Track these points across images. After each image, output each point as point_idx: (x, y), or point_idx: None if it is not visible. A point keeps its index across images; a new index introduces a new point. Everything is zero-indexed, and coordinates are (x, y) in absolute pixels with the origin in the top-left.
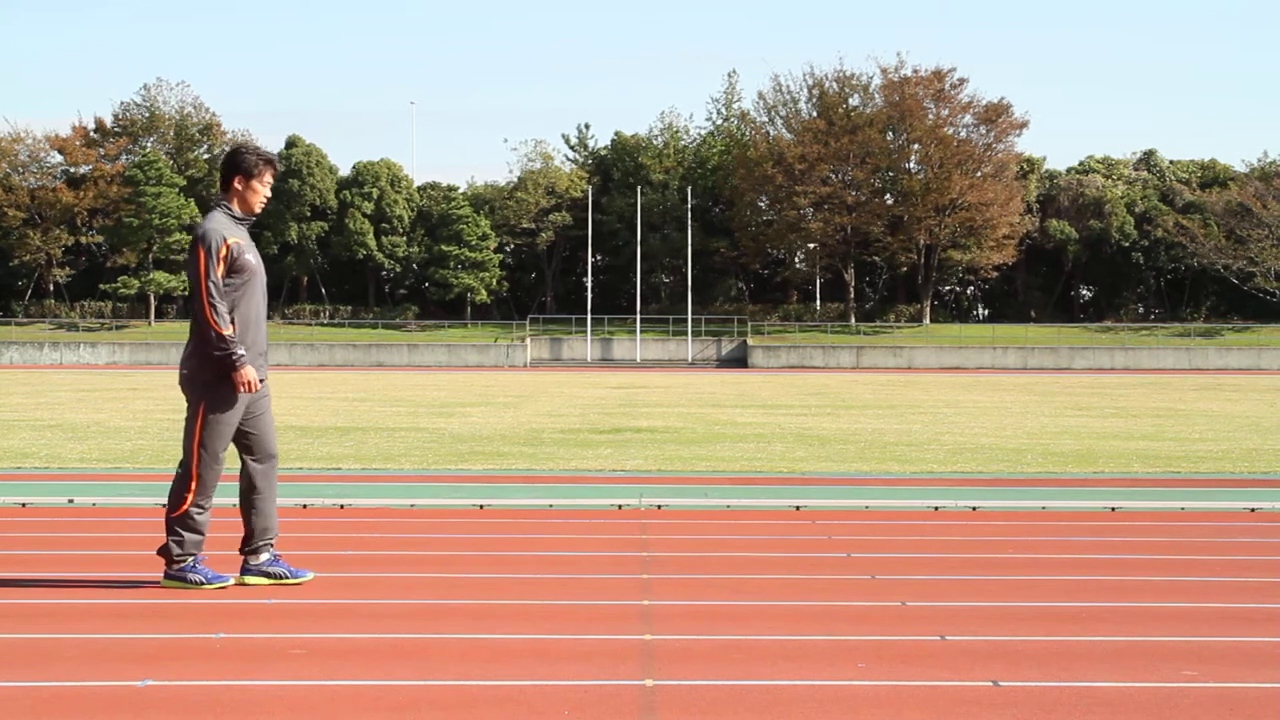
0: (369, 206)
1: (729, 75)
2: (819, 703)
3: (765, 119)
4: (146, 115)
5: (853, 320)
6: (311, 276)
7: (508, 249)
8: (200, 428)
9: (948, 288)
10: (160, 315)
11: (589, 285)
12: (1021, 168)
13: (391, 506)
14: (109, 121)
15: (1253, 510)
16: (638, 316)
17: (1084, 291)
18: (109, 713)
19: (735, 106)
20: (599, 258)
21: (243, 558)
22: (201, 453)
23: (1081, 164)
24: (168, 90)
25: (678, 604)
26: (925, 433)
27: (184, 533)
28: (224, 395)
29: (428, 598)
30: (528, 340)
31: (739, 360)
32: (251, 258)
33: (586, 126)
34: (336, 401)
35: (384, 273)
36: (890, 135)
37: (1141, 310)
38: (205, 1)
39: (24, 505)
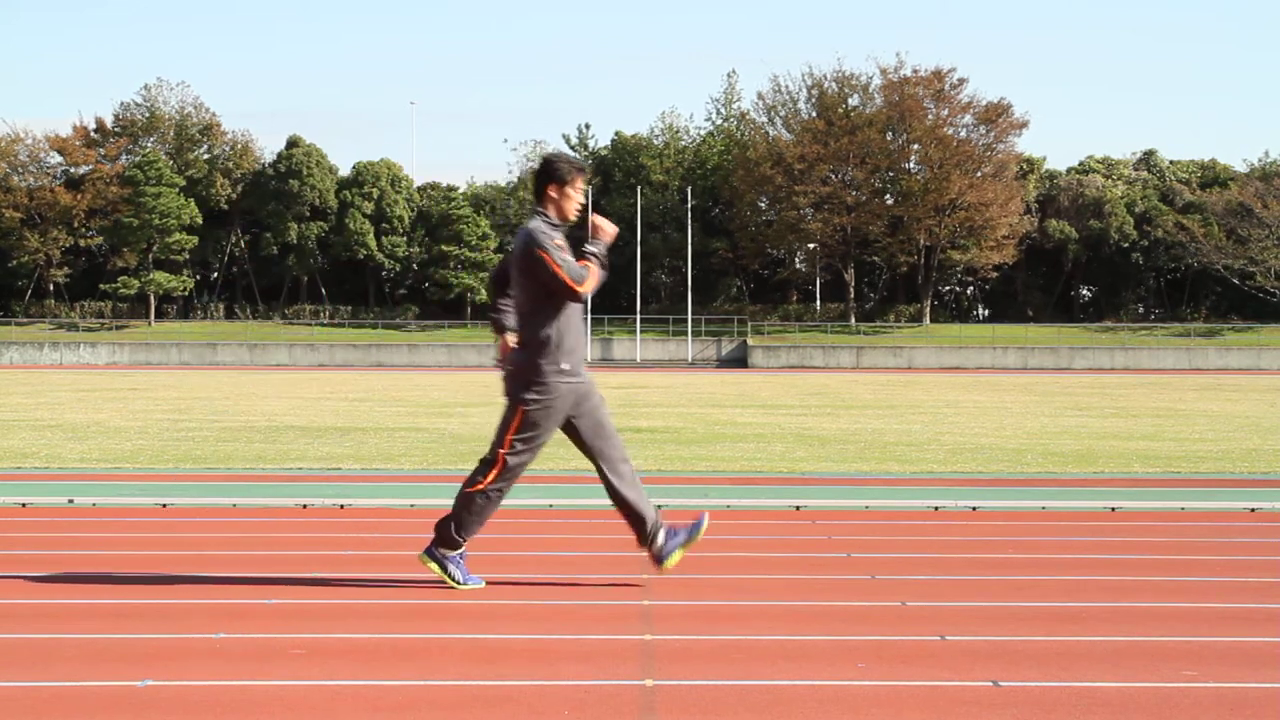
0: (369, 206)
1: (729, 75)
2: (819, 703)
3: (765, 119)
4: (146, 115)
5: (853, 320)
6: (311, 276)
7: (508, 249)
8: (517, 423)
9: (948, 288)
10: (160, 315)
11: None
12: (1021, 168)
13: (391, 506)
14: (109, 122)
15: (1253, 510)
16: (638, 316)
17: (1084, 291)
18: (109, 713)
19: (735, 107)
20: None
21: (648, 553)
22: (510, 448)
23: (1081, 164)
24: (168, 90)
25: (678, 604)
26: (925, 433)
27: (466, 515)
28: (544, 400)
29: (428, 598)
30: None
31: (739, 360)
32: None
33: (586, 126)
34: (336, 401)
35: (384, 273)
36: (890, 135)
37: (1141, 310)
38: (205, 1)
39: (24, 505)
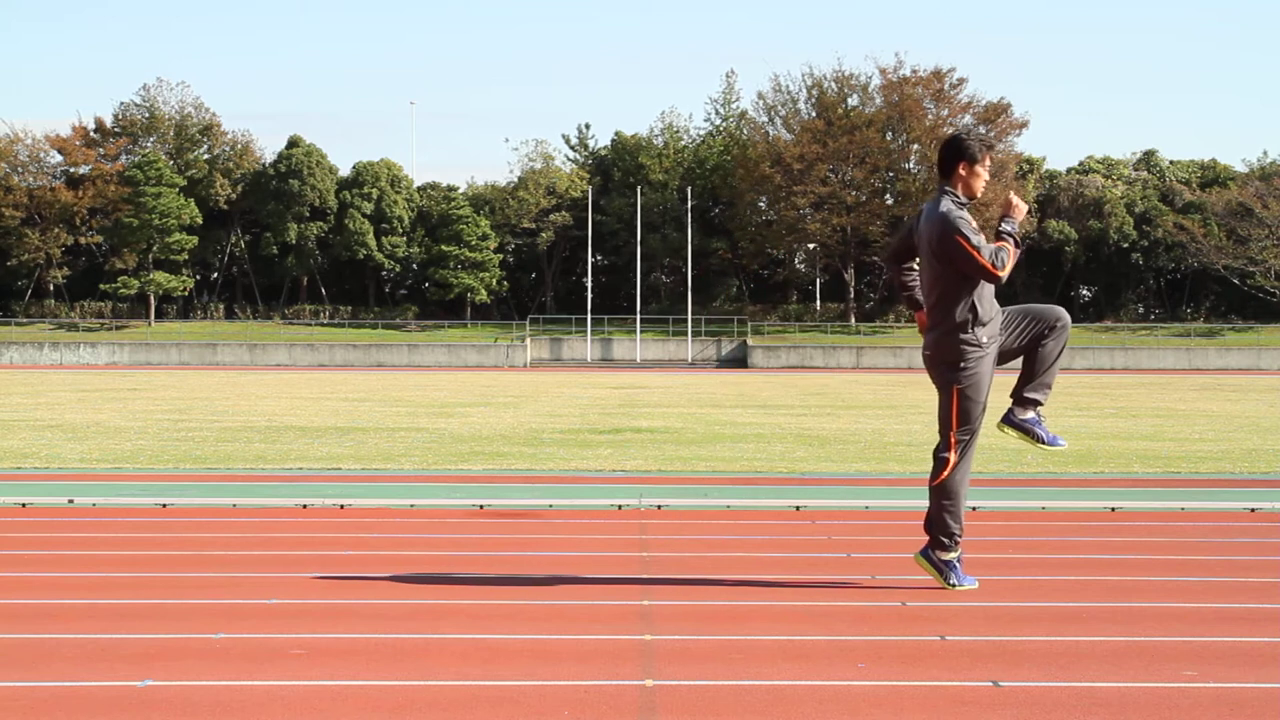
0: (369, 206)
1: (728, 75)
2: (819, 703)
3: (764, 119)
4: (146, 115)
5: (852, 320)
6: (311, 276)
7: (508, 249)
8: (956, 409)
9: None
10: (160, 315)
11: (589, 285)
12: (1021, 168)
13: (391, 506)
14: (109, 122)
15: (1253, 510)
16: (638, 316)
17: (1084, 292)
18: (109, 713)
19: (734, 106)
20: (599, 258)
21: (1010, 405)
22: (960, 430)
23: (1081, 164)
24: (168, 90)
25: (678, 604)
26: (925, 433)
27: (947, 507)
28: (971, 374)
29: (428, 598)
30: (528, 340)
31: (739, 360)
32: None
33: (587, 126)
34: (336, 401)
35: (384, 273)
36: (889, 135)
37: (1141, 310)
38: (205, 1)
39: (24, 505)
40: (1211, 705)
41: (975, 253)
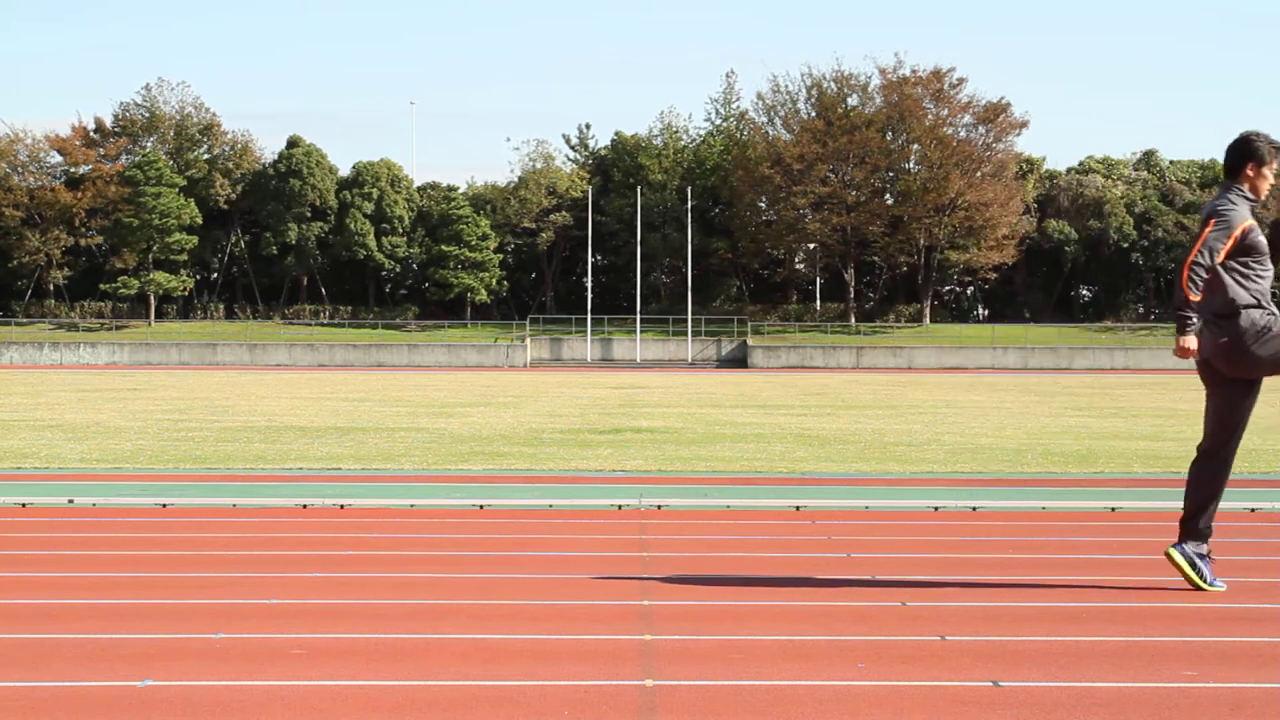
0: (369, 207)
1: (728, 75)
2: (819, 703)
3: (764, 119)
4: (146, 115)
5: (853, 320)
6: (311, 276)
7: (508, 249)
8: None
9: (947, 288)
10: (160, 315)
11: (589, 285)
12: (1021, 168)
13: (391, 506)
14: (109, 122)
15: (1252, 510)
16: (638, 316)
17: (1083, 292)
18: (109, 713)
19: (734, 106)
20: (599, 258)
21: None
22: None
23: (1081, 164)
24: (168, 90)
25: (678, 604)
26: (925, 433)
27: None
28: (1205, 368)
29: (428, 598)
30: (528, 340)
31: (739, 360)
32: (1263, 239)
33: (587, 126)
34: (336, 401)
35: (384, 273)
36: (889, 135)
37: (1141, 310)
38: (205, 1)
39: (24, 505)
40: (1211, 705)
41: (1202, 239)
